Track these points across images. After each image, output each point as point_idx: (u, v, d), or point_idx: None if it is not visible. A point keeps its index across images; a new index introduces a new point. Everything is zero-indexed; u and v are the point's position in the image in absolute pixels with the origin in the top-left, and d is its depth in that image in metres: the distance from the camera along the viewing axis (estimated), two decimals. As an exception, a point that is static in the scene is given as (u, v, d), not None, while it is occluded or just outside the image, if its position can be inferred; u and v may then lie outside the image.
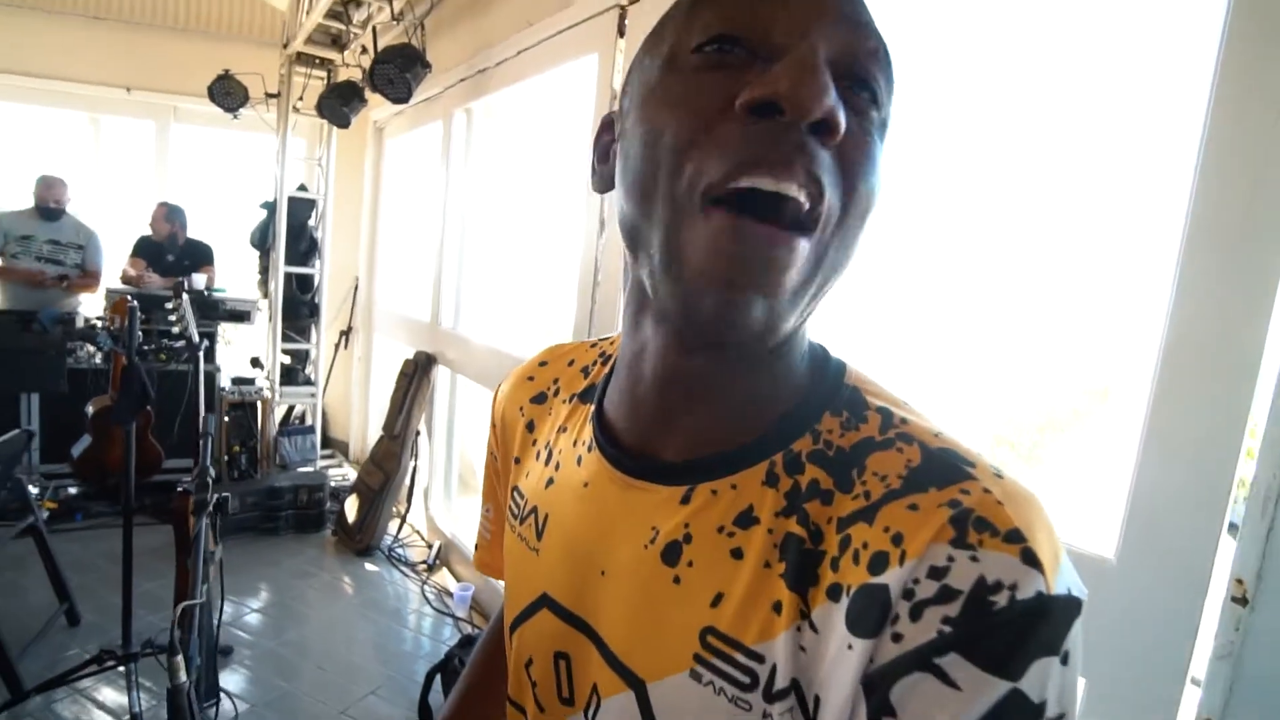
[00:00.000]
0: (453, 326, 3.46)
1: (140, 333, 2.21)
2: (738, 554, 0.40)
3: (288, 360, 4.44)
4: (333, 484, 3.93)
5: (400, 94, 3.07)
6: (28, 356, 3.31)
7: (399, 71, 2.97)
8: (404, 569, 3.35)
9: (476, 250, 3.47)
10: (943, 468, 0.37)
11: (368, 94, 3.52)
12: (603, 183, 0.48)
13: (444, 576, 3.32)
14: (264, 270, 4.48)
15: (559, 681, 0.49)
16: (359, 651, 2.68)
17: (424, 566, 3.37)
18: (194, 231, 4.25)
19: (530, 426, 0.59)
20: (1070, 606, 0.33)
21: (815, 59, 0.35)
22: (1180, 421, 0.95)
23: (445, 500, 3.64)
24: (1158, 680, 0.95)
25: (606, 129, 0.48)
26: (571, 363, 0.60)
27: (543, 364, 0.62)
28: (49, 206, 3.70)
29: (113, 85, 4.47)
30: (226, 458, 3.97)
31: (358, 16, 3.56)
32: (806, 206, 0.35)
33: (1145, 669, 0.95)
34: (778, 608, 0.38)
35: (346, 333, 4.80)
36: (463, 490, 3.84)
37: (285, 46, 4.09)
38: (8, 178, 4.61)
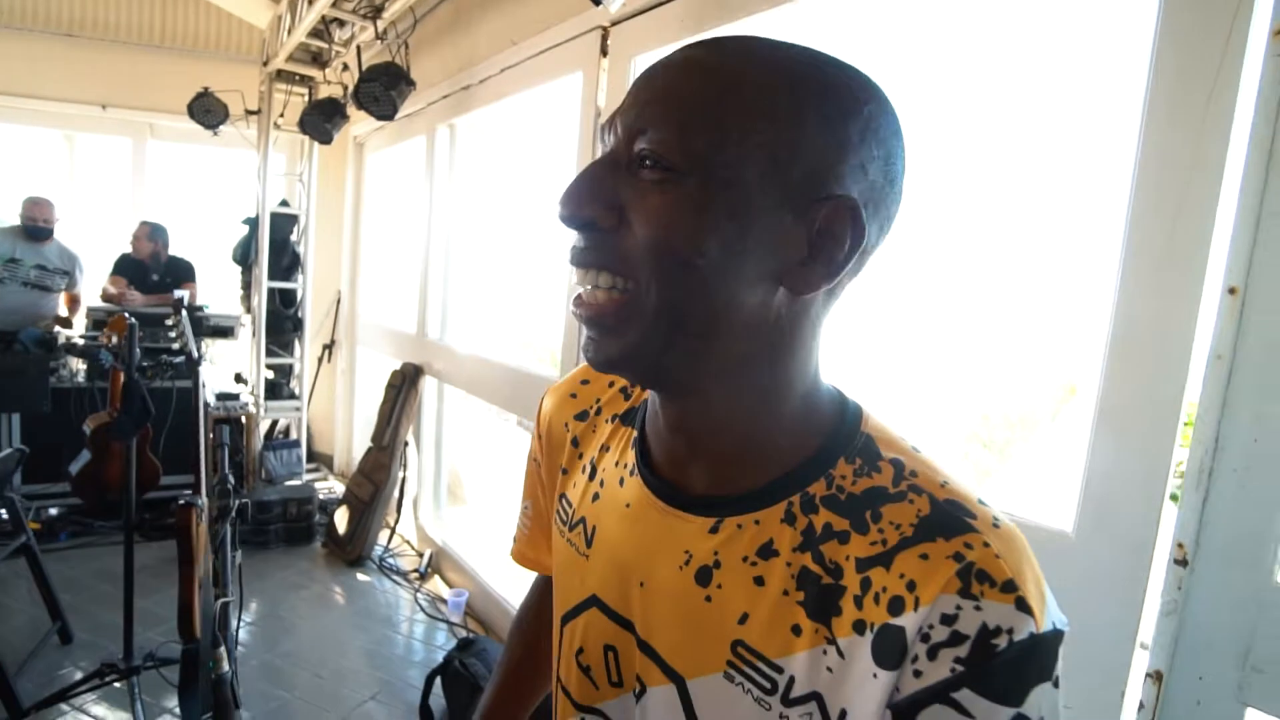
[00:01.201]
0: (439, 338, 3.51)
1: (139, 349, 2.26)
2: (760, 581, 0.48)
3: (271, 375, 4.45)
4: (320, 497, 3.95)
5: (385, 111, 3.13)
6: (10, 377, 3.30)
7: (384, 89, 3.03)
8: (396, 578, 3.38)
9: (462, 262, 3.53)
10: (948, 520, 0.44)
11: (349, 110, 3.57)
12: None
13: (436, 584, 3.36)
14: (246, 286, 4.49)
15: (608, 668, 0.57)
16: (355, 659, 2.72)
17: (415, 575, 3.41)
18: (175, 248, 4.26)
19: (575, 442, 0.65)
20: (1056, 639, 0.41)
21: (579, 175, 0.46)
22: (1125, 407, 1.06)
23: (435, 510, 3.68)
24: (1113, 643, 1.05)
25: None
26: (612, 384, 0.65)
27: (584, 382, 0.67)
28: (36, 225, 3.67)
29: (87, 103, 4.44)
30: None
31: (340, 35, 3.61)
32: (612, 283, 0.46)
33: (1102, 634, 1.06)
34: (796, 630, 0.46)
35: (330, 346, 4.82)
36: (451, 500, 3.88)
37: (265, 64, 4.12)
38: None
